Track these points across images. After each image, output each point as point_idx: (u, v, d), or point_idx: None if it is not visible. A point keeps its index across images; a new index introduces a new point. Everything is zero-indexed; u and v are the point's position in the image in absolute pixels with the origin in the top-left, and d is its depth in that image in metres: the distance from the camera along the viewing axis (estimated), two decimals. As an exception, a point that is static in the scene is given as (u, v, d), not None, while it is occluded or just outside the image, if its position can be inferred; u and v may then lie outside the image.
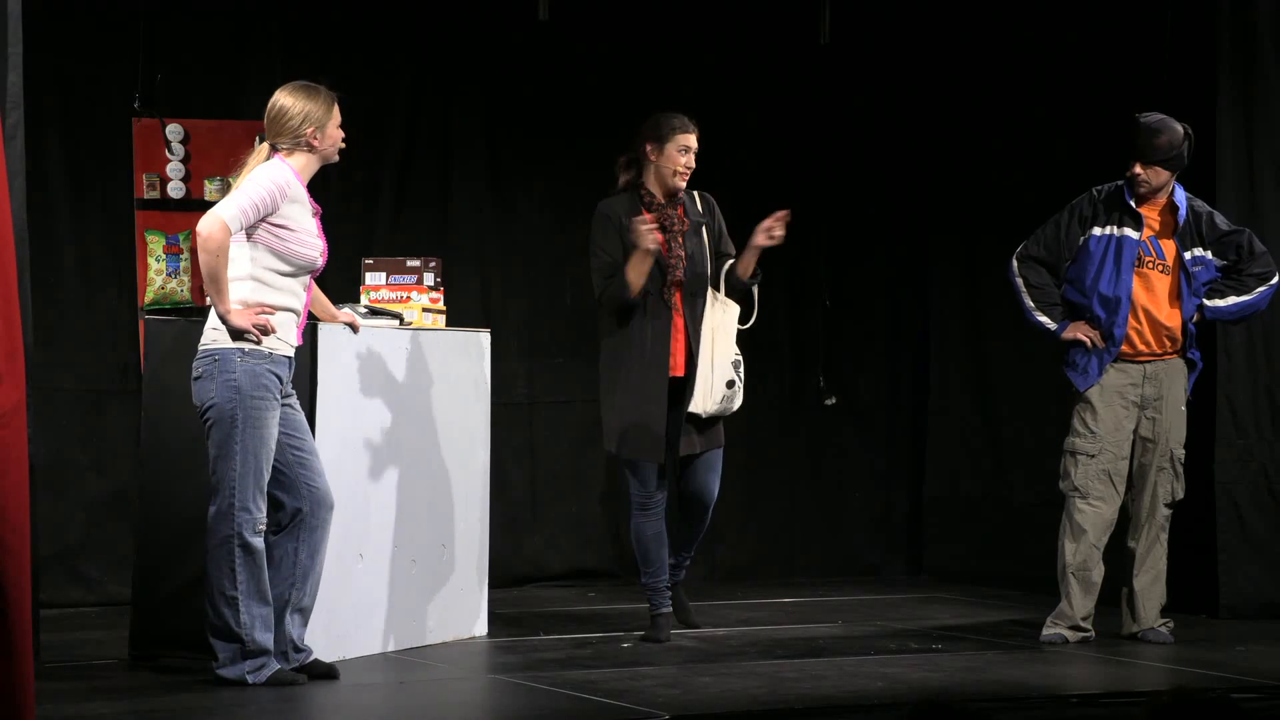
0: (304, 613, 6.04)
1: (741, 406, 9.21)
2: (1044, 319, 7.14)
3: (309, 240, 5.96)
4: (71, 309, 8.04)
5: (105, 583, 7.94)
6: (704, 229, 7.00)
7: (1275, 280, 7.15)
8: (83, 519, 8.00)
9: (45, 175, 7.88)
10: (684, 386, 6.88)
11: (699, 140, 6.97)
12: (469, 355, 7.15)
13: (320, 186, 8.36)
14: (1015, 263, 7.23)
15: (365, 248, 8.16)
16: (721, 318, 6.95)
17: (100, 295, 8.11)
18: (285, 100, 5.98)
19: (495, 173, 8.82)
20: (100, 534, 8.00)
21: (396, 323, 6.80)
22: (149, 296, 8.03)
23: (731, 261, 7.01)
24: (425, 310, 6.99)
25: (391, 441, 6.73)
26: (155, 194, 8.09)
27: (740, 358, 7.02)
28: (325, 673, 6.07)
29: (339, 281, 8.03)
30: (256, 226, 5.87)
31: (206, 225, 5.79)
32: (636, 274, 6.76)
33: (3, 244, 4.72)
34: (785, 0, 9.07)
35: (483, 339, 7.26)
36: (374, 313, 6.76)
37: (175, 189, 8.10)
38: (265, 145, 6.01)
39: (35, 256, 6.60)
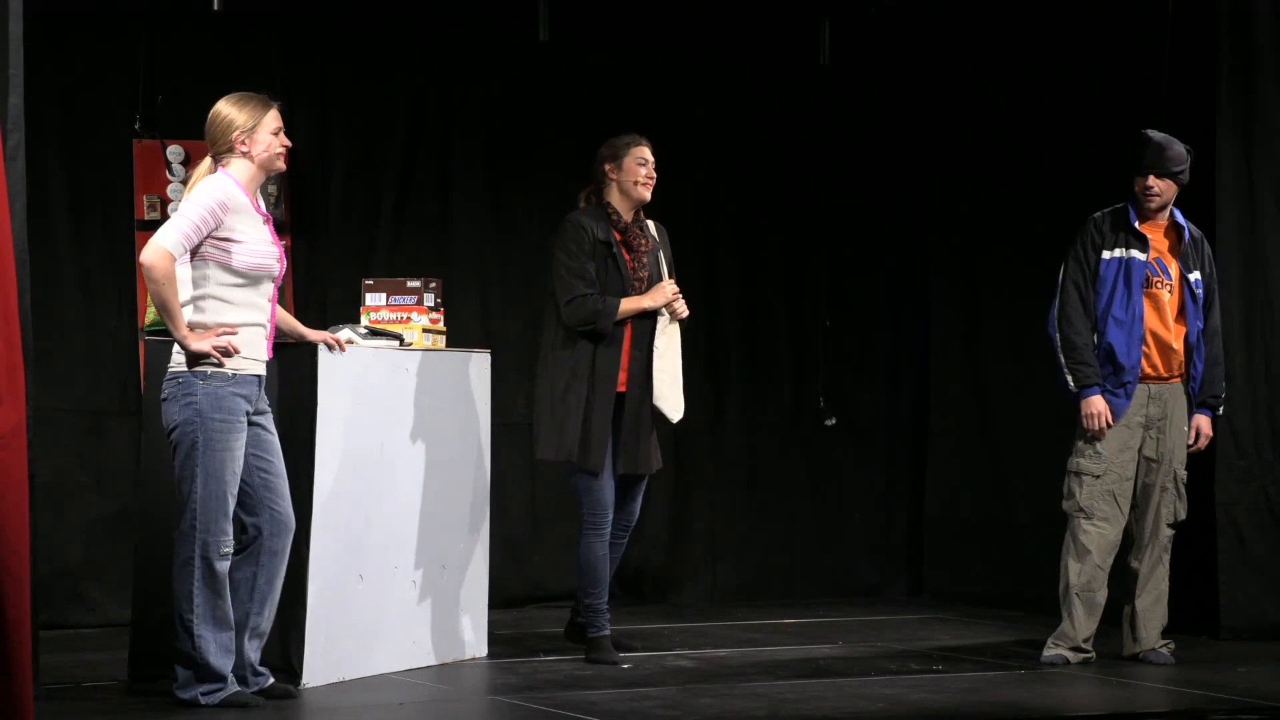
0: (261, 636, 6.00)
1: (742, 426, 9.29)
2: (1068, 377, 7.07)
3: (260, 249, 5.89)
4: (71, 330, 8.04)
5: (105, 604, 7.93)
6: (660, 251, 7.08)
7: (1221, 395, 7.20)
8: (82, 540, 8.00)
9: (46, 196, 7.89)
10: (622, 401, 6.93)
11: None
12: (469, 375, 7.15)
13: (320, 207, 8.42)
14: (1054, 320, 7.11)
15: (365, 268, 8.18)
16: (670, 336, 6.98)
17: (100, 316, 8.11)
18: (215, 111, 5.96)
19: (495, 193, 8.83)
20: (100, 555, 7.99)
21: (397, 343, 6.81)
22: (149, 317, 7.98)
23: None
24: (426, 331, 7.00)
25: (392, 462, 6.73)
26: (155, 215, 8.09)
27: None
28: (283, 694, 6.05)
29: (340, 302, 8.07)
30: (203, 244, 5.83)
31: (150, 255, 5.74)
32: (630, 312, 6.87)
33: (3, 264, 4.73)
34: (785, 21, 9.10)
35: (483, 359, 7.26)
36: (374, 333, 6.76)
37: (176, 210, 8.09)
38: (208, 159, 6.00)
39: (36, 277, 6.59)
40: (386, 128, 8.64)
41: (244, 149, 5.92)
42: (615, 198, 7.01)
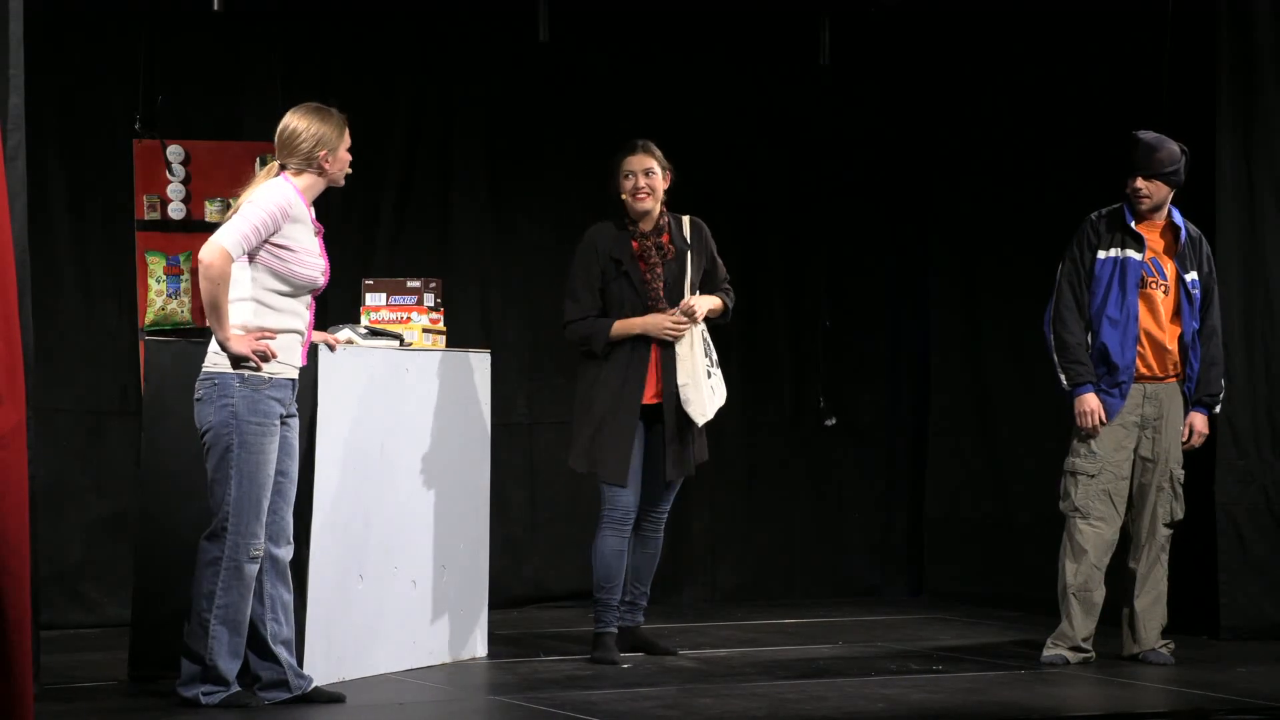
0: (288, 642, 6.01)
1: (742, 426, 9.29)
2: (1061, 375, 7.10)
3: (310, 260, 5.94)
4: (72, 330, 8.05)
5: (105, 604, 7.93)
6: (688, 255, 7.03)
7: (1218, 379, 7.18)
8: (82, 540, 8.00)
9: (46, 196, 7.89)
10: (656, 412, 6.94)
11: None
12: (469, 376, 7.16)
13: (321, 207, 8.37)
14: (1049, 319, 7.13)
15: (365, 268, 8.18)
16: (691, 340, 6.95)
17: (100, 316, 8.11)
18: (298, 122, 5.96)
19: (495, 193, 8.83)
20: (100, 555, 8.00)
21: (397, 343, 6.81)
22: (149, 317, 8.03)
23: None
24: (425, 331, 7.00)
25: (392, 462, 6.73)
26: (156, 215, 8.09)
27: (708, 341, 7.04)
28: (330, 699, 6.05)
29: (340, 302, 8.06)
30: (259, 248, 5.86)
31: (209, 253, 5.76)
32: (622, 334, 6.89)
33: (4, 265, 4.73)
34: (785, 21, 9.10)
35: (483, 359, 7.26)
36: (374, 333, 6.76)
37: (176, 210, 8.11)
38: (274, 165, 6.01)
39: (36, 277, 6.60)
40: (386, 128, 8.63)
41: (326, 165, 5.97)
42: (628, 208, 7.03)
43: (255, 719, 5.79)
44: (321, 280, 6.00)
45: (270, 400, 5.85)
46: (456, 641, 7.09)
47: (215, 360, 5.87)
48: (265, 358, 5.82)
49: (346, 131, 6.03)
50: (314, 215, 6.02)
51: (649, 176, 6.99)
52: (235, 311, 5.85)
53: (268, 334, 5.85)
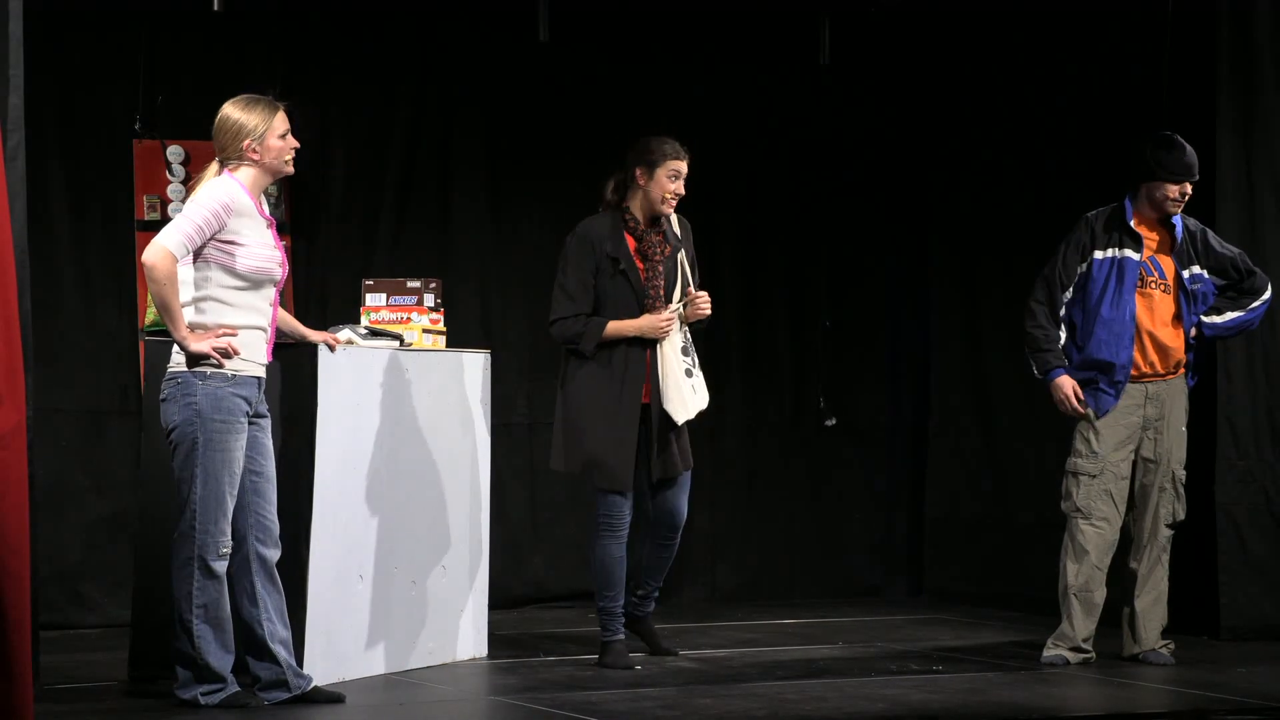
0: (284, 641, 6.00)
1: (742, 426, 9.29)
2: (1033, 368, 7.14)
3: (263, 253, 5.88)
4: (71, 330, 8.05)
5: (105, 604, 7.93)
6: (680, 253, 6.97)
7: (1268, 295, 7.17)
8: (82, 540, 8.00)
9: (46, 197, 7.89)
10: (645, 412, 6.85)
11: (693, 163, 6.95)
12: (469, 376, 7.16)
13: (320, 208, 8.42)
14: (1026, 311, 7.18)
15: (366, 269, 8.18)
16: (671, 342, 6.87)
17: (100, 316, 8.11)
18: (223, 114, 5.93)
19: (495, 194, 8.83)
20: (99, 555, 8.00)
21: (397, 344, 6.81)
22: (149, 318, 7.97)
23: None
24: (425, 331, 7.00)
25: (392, 462, 6.73)
26: (156, 215, 8.09)
27: (689, 343, 6.94)
28: (329, 699, 6.05)
29: (340, 302, 8.07)
30: (205, 246, 5.82)
31: (152, 255, 5.74)
32: (614, 336, 6.78)
33: (3, 265, 4.73)
34: (785, 21, 9.11)
35: (483, 360, 7.26)
36: (374, 334, 6.76)
37: (176, 210, 8.07)
38: (215, 163, 5.98)
39: (36, 278, 6.60)
40: (386, 128, 8.64)
41: (254, 156, 5.91)
42: (637, 203, 6.89)
43: (255, 719, 5.80)
44: (279, 272, 5.95)
45: (235, 398, 5.83)
46: (457, 641, 7.09)
47: (178, 360, 5.86)
48: (227, 354, 5.80)
49: (278, 117, 5.93)
50: (264, 208, 5.97)
51: (683, 184, 6.90)
52: (192, 312, 5.83)
53: (228, 330, 5.84)
